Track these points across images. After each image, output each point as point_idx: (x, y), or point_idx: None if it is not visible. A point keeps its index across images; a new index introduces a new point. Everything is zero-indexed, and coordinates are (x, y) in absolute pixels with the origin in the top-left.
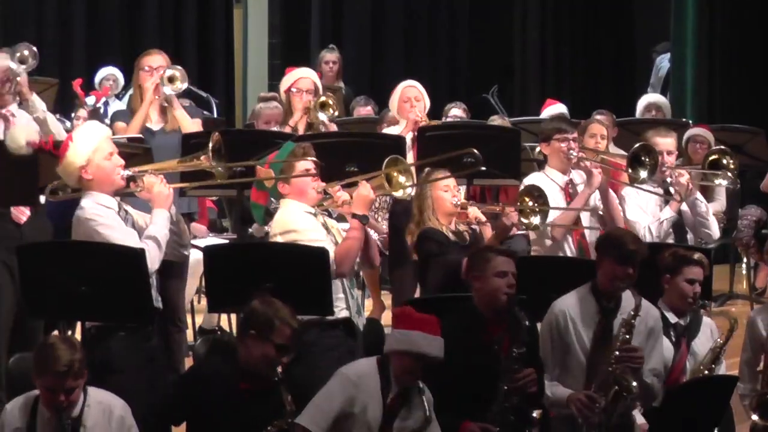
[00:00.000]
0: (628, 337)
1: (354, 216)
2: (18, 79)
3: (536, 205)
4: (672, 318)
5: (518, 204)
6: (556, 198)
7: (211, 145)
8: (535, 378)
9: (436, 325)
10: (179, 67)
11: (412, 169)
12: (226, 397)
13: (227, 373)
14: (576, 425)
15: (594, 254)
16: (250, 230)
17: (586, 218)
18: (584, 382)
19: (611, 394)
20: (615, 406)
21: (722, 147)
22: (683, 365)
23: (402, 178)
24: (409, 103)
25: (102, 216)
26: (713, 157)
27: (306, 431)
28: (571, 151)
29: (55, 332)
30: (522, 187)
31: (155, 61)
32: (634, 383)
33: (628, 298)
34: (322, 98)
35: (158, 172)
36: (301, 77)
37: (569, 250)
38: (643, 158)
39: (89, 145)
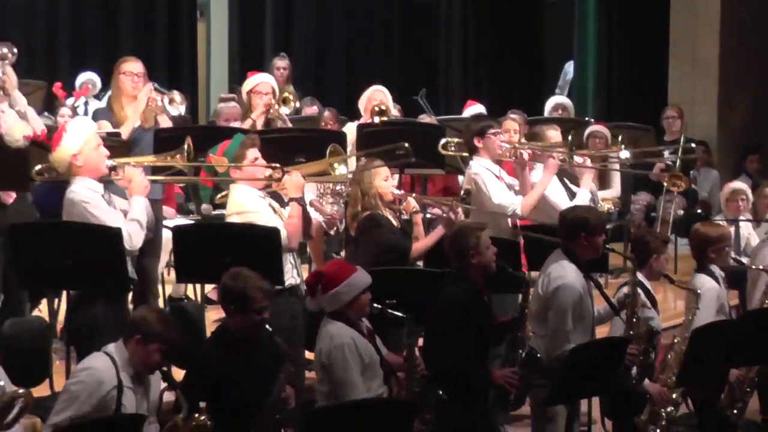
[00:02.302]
0: None
1: (291, 199)
2: (1, 75)
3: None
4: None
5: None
6: (489, 180)
7: (186, 147)
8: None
9: (349, 264)
10: (177, 92)
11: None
12: (240, 366)
13: (227, 350)
14: None
15: None
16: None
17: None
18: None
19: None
20: None
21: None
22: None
23: (341, 167)
24: (376, 105)
25: (92, 198)
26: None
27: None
28: (504, 144)
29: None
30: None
31: (135, 67)
32: None
33: None
34: (285, 94)
35: (138, 164)
36: (261, 81)
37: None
38: None
39: (81, 136)
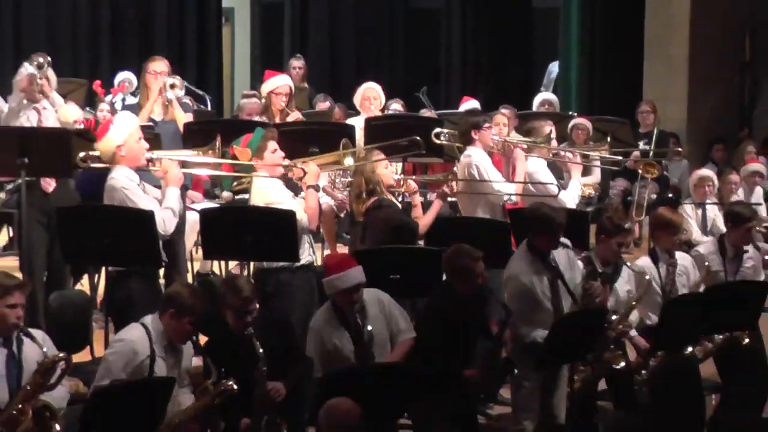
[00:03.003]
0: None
1: (309, 186)
2: (39, 81)
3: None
4: (599, 267)
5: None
6: (489, 168)
7: (217, 144)
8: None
9: (352, 259)
10: (178, 77)
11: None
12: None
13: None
14: None
15: None
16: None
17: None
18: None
19: None
20: None
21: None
22: (607, 302)
23: (350, 159)
24: (369, 101)
25: (131, 186)
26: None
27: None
28: (495, 136)
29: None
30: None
31: (159, 66)
32: None
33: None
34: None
35: (174, 158)
36: (281, 84)
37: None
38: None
39: (126, 129)
